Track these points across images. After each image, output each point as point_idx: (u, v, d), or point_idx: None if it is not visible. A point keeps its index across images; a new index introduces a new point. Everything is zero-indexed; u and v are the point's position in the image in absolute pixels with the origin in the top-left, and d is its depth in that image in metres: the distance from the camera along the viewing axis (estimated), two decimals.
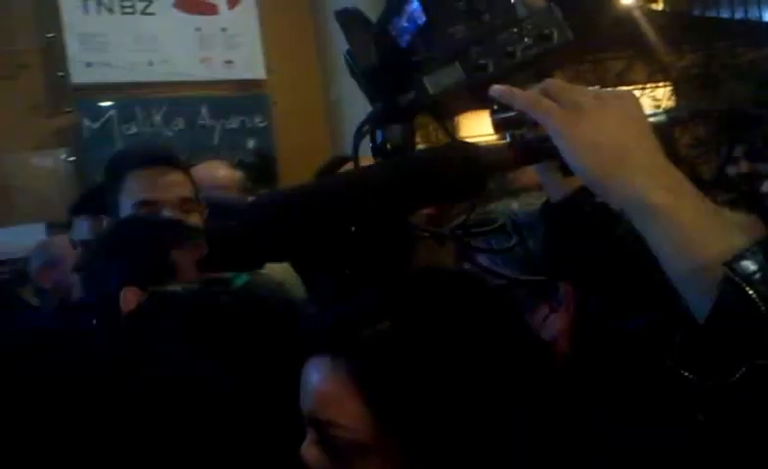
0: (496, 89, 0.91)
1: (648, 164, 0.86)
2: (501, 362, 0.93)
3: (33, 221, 4.67)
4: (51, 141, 5.15)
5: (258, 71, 5.55)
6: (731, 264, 0.79)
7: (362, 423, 0.90)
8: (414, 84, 0.96)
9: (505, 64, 0.95)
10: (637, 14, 7.19)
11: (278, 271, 1.92)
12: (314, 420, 0.94)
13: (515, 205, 1.27)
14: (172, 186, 1.88)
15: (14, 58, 5.07)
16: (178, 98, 5.41)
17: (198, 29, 5.50)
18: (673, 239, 0.84)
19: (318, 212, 0.96)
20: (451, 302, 0.96)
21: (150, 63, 5.32)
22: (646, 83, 7.69)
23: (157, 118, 5.29)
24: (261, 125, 5.51)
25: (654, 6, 7.75)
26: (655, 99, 7.61)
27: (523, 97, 0.90)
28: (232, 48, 5.52)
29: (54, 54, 5.17)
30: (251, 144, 5.45)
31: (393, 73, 0.98)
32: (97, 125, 5.14)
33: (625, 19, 7.08)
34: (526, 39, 0.95)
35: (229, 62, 5.49)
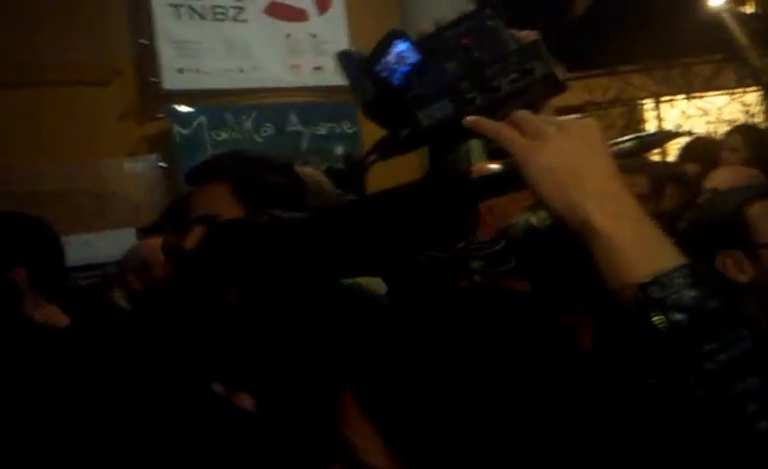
0: (468, 120, 0.99)
1: (597, 190, 0.95)
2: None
3: (125, 226, 4.72)
4: (142, 147, 5.20)
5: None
6: (644, 287, 0.88)
7: None
8: (409, 119, 1.03)
9: (491, 98, 1.01)
10: (726, 17, 7.02)
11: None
12: None
13: (533, 219, 1.39)
14: None
15: (108, 64, 5.14)
16: (267, 104, 5.42)
17: (288, 36, 5.51)
18: (607, 260, 0.93)
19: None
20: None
21: (241, 70, 5.34)
22: (735, 88, 7.50)
23: (247, 125, 5.29)
24: (350, 131, 5.47)
25: (743, 9, 7.55)
26: (744, 104, 7.40)
27: (490, 127, 0.98)
28: (321, 54, 5.50)
29: (146, 60, 5.22)
30: (340, 150, 5.42)
31: (389, 109, 1.05)
32: (188, 131, 5.16)
33: (714, 22, 6.92)
34: (511, 74, 1.01)
35: (318, 68, 5.48)
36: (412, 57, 1.03)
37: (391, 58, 1.04)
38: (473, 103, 1.02)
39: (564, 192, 0.96)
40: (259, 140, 5.26)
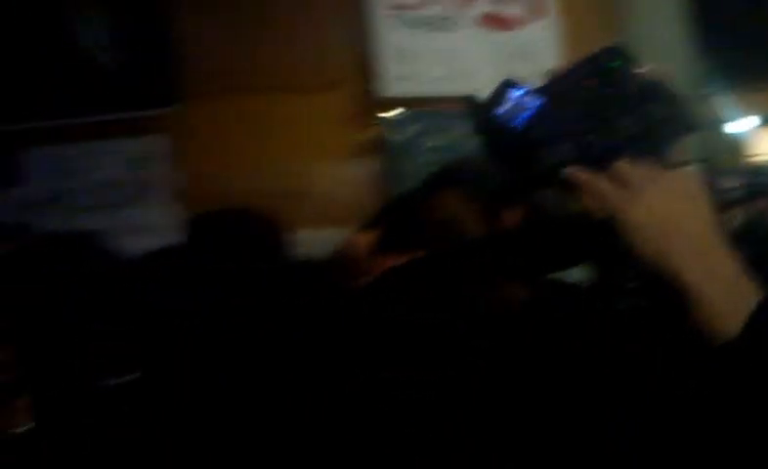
0: (566, 172, 1.02)
1: (688, 248, 0.96)
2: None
3: (341, 225, 5.02)
4: (360, 151, 5.48)
5: None
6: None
7: None
8: (531, 161, 1.06)
9: (611, 141, 1.03)
10: None
11: None
12: None
13: None
14: None
15: (329, 72, 5.46)
16: None
17: (501, 44, 5.63)
18: (697, 314, 0.95)
19: None
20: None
21: (454, 78, 5.52)
22: None
23: (458, 131, 5.47)
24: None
25: None
26: None
27: (584, 179, 1.01)
28: (531, 63, 5.58)
29: (366, 68, 5.50)
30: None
31: (511, 152, 1.09)
32: (401, 137, 5.40)
33: None
34: (631, 116, 1.02)
35: (527, 76, 5.55)
36: (533, 101, 1.06)
37: (508, 104, 1.07)
38: (592, 146, 1.04)
39: (654, 249, 0.97)
40: (468, 146, 5.42)
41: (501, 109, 1.07)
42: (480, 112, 1.10)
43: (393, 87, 5.48)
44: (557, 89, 1.07)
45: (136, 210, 5.24)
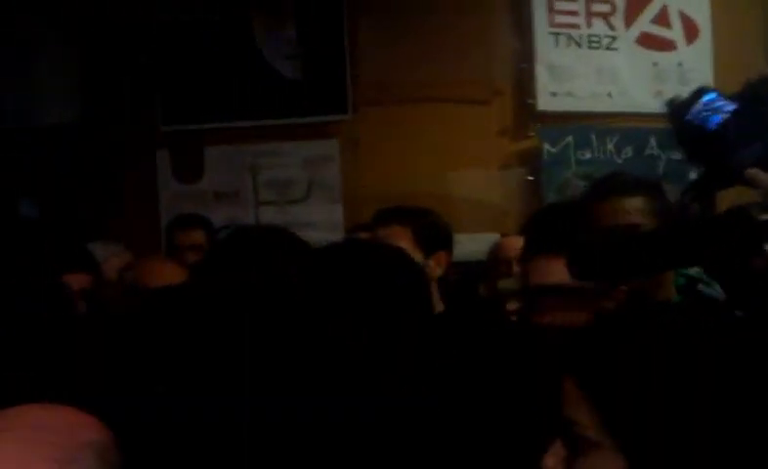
0: (749, 172, 1.07)
1: None
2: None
3: (493, 230, 5.36)
4: (514, 160, 5.81)
5: None
6: None
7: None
8: (723, 160, 1.14)
9: None
10: None
11: None
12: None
13: None
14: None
15: (489, 85, 5.82)
16: (630, 127, 5.78)
17: (656, 64, 5.81)
18: None
19: None
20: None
21: (609, 95, 5.75)
22: None
23: (610, 146, 5.70)
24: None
25: None
26: None
27: (762, 182, 1.06)
28: (685, 83, 5.72)
29: (524, 83, 5.82)
30: (693, 175, 5.59)
31: (704, 151, 1.18)
32: (555, 149, 5.70)
33: None
34: None
35: (680, 95, 5.70)
36: (727, 106, 1.14)
37: (699, 107, 1.17)
38: None
39: None
40: (619, 161, 5.65)
41: (694, 111, 1.16)
42: (675, 114, 1.20)
43: (552, 102, 5.77)
44: (751, 95, 1.15)
45: (307, 208, 5.76)
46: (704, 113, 1.15)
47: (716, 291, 2.01)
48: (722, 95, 1.16)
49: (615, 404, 1.53)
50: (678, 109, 1.19)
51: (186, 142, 5.86)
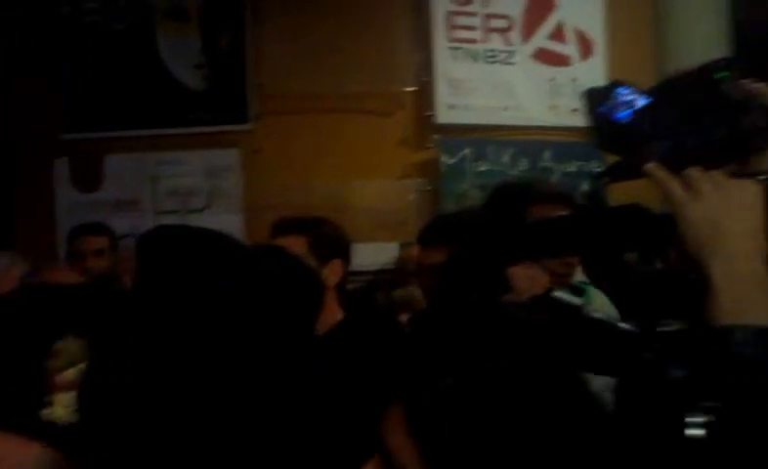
0: (648, 167, 1.12)
1: (729, 252, 1.04)
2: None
3: (390, 240, 5.43)
4: (413, 171, 5.90)
5: None
6: (726, 333, 1.01)
7: None
8: (634, 152, 1.16)
9: (702, 145, 1.11)
10: None
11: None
12: None
13: None
14: None
15: (390, 97, 5.91)
16: (525, 141, 5.92)
17: (552, 79, 5.97)
18: (713, 306, 1.04)
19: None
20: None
21: (505, 108, 5.89)
22: None
23: (506, 159, 5.83)
24: (597, 170, 5.76)
25: None
26: None
27: (660, 176, 1.11)
28: (580, 97, 5.86)
29: (424, 96, 5.93)
30: (586, 187, 5.74)
31: (617, 142, 1.21)
32: (453, 161, 5.80)
33: None
34: (723, 124, 1.09)
35: (575, 110, 5.85)
36: (640, 100, 1.15)
37: (613, 98, 1.17)
38: (685, 146, 1.11)
39: (700, 249, 1.05)
40: (514, 173, 5.78)
41: (607, 103, 1.17)
42: (589, 104, 1.20)
43: (448, 114, 5.87)
44: (664, 92, 1.15)
45: (207, 217, 5.75)
46: (617, 105, 1.17)
47: (575, 298, 2.04)
48: (636, 89, 1.17)
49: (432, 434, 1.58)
50: (592, 100, 1.21)
51: (86, 150, 5.81)
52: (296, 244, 2.59)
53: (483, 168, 5.80)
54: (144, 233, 1.18)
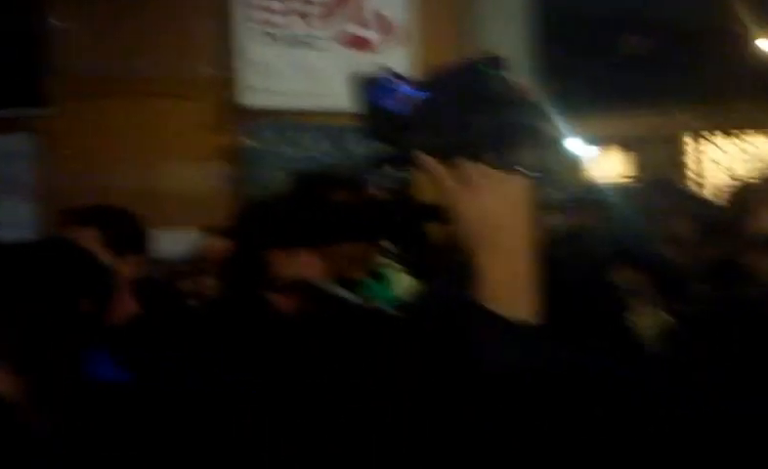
0: (417, 156, 1.12)
1: (491, 238, 1.07)
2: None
3: (191, 225, 5.35)
4: (217, 156, 5.84)
5: None
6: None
7: None
8: (399, 142, 1.15)
9: (463, 136, 1.12)
10: None
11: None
12: None
13: None
14: None
15: (193, 81, 5.81)
16: (327, 125, 5.94)
17: (355, 64, 6.01)
18: (480, 293, 1.07)
19: None
20: None
21: (308, 92, 5.90)
22: None
23: (308, 142, 5.85)
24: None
25: None
26: None
27: (431, 166, 1.11)
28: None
29: (227, 79, 5.86)
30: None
31: (384, 131, 1.17)
32: (256, 144, 5.77)
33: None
34: (485, 118, 1.10)
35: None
36: (413, 92, 1.14)
37: (379, 86, 1.14)
38: (455, 138, 1.12)
39: (471, 240, 1.08)
40: (317, 156, 5.82)
41: (380, 93, 1.15)
42: (364, 95, 1.18)
43: (254, 98, 5.83)
44: (435, 84, 1.16)
45: None
46: (388, 94, 1.14)
47: (347, 292, 2.05)
48: (410, 80, 1.14)
49: None
50: (364, 88, 1.17)
51: None
52: (86, 236, 2.50)
53: (286, 152, 5.80)
54: None
